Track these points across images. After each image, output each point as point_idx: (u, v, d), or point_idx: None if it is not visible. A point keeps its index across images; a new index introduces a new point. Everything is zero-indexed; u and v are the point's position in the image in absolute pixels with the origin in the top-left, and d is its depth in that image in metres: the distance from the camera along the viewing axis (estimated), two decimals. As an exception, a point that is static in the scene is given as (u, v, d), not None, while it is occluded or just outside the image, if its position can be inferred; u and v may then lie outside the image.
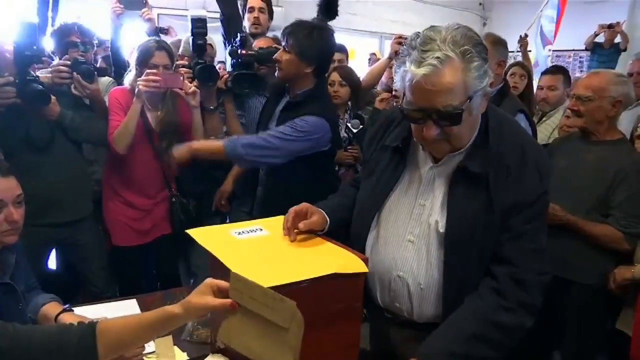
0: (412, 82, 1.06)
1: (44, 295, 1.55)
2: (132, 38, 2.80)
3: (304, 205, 1.33)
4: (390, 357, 1.34)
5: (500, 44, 2.23)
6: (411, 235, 1.23)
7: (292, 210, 1.31)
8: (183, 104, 2.26)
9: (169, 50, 2.22)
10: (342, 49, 3.26)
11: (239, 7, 2.75)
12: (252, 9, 2.77)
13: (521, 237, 1.15)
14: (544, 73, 3.16)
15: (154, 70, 2.11)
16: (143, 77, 2.09)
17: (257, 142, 1.96)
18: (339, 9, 2.43)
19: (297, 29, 2.04)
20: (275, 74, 2.18)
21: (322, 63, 2.09)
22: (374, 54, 5.92)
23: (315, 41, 2.02)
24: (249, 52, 2.38)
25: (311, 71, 2.05)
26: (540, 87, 3.05)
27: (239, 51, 2.35)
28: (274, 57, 2.09)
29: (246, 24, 2.80)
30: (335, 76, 2.76)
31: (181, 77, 2.17)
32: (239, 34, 2.42)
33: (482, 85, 1.07)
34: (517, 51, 4.48)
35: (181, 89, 2.17)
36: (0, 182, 1.38)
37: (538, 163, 1.17)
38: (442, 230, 1.18)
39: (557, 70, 3.14)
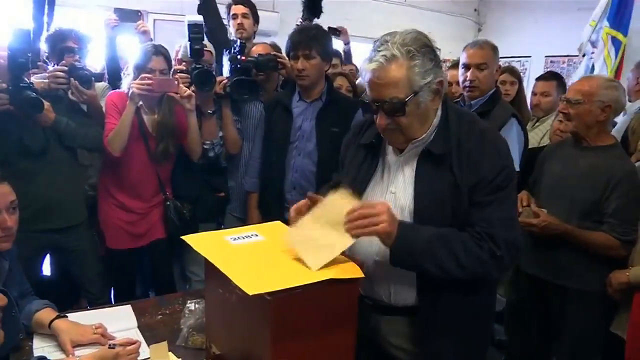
0: (366, 77, 1.24)
1: (37, 301, 1.54)
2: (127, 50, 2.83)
3: (300, 202, 1.38)
4: (373, 343, 1.41)
5: (497, 50, 2.37)
6: None
7: (293, 209, 1.36)
8: (180, 108, 2.26)
9: (167, 55, 2.23)
10: (337, 54, 3.30)
11: (225, 17, 2.85)
12: (235, 16, 2.88)
13: (487, 207, 1.24)
14: (537, 79, 3.16)
15: (149, 75, 2.11)
16: (137, 80, 2.10)
17: None
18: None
19: (316, 33, 2.17)
20: (300, 83, 2.23)
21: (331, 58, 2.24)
22: (370, 59, 5.95)
23: (329, 39, 2.19)
24: (248, 59, 2.40)
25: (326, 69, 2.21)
26: (534, 93, 3.05)
27: (238, 57, 2.36)
28: (298, 68, 2.15)
29: (232, 30, 2.88)
30: (342, 81, 2.87)
31: (175, 82, 2.17)
32: (239, 40, 2.44)
33: (426, 81, 1.21)
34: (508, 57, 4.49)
35: (176, 92, 2.17)
36: (-6, 188, 1.38)
37: (496, 144, 1.29)
38: (411, 207, 1.28)
39: (551, 76, 3.12)
